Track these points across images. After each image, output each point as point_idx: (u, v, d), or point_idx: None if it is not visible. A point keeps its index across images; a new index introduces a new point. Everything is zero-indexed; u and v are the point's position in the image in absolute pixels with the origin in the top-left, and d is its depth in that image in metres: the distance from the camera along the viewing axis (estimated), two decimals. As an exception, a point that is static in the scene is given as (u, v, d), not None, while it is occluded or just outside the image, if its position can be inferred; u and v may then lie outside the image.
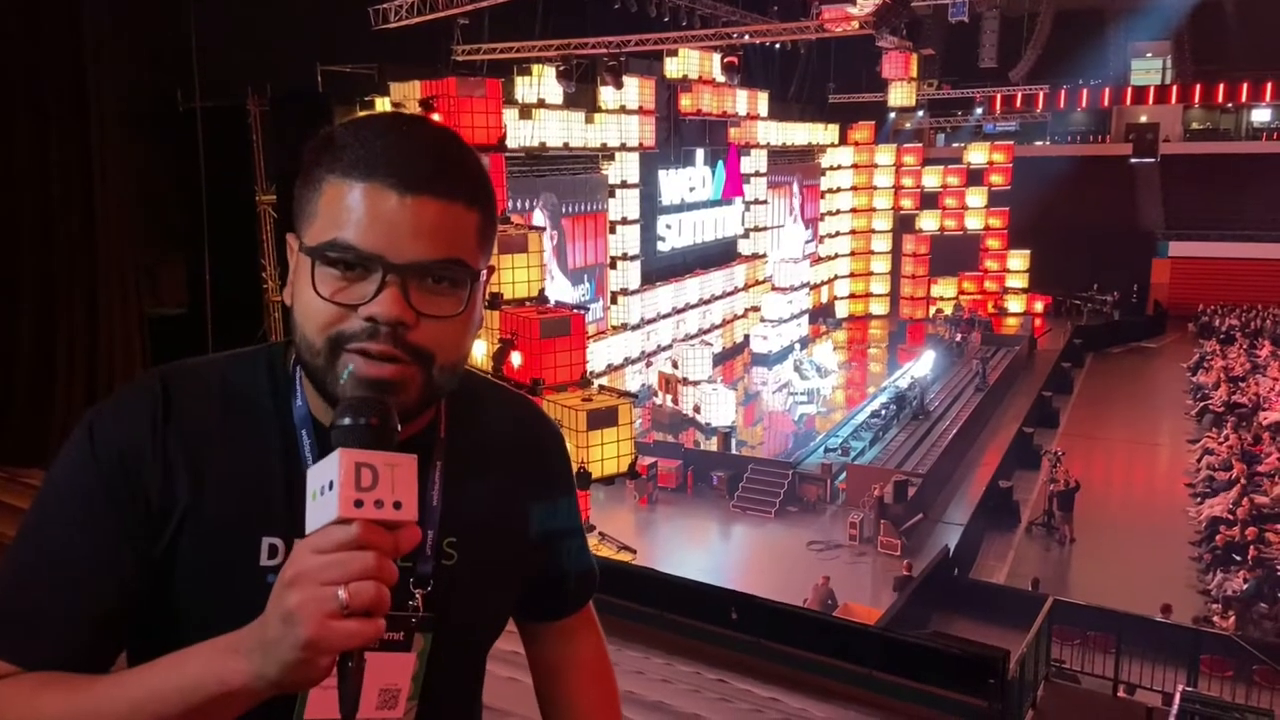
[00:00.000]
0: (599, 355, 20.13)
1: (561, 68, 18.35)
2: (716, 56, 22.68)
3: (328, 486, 0.84)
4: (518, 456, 1.21)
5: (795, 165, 30.02)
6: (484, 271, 1.03)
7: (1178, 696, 7.43)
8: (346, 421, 0.88)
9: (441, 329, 0.98)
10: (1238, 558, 13.67)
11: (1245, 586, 12.80)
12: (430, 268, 0.96)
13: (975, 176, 31.91)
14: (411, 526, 0.86)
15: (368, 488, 0.84)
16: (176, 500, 1.01)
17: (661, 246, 23.54)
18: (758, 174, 27.20)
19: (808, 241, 30.16)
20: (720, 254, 26.26)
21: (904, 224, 32.28)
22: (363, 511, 0.83)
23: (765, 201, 27.79)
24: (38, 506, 1.02)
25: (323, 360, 0.97)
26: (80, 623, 0.97)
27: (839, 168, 31.82)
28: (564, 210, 20.16)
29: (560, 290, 18.98)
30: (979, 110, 37.36)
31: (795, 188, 30.10)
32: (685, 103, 23.28)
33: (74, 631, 0.97)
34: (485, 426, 1.19)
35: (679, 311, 23.74)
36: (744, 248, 27.39)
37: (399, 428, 0.90)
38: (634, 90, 20.95)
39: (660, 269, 23.51)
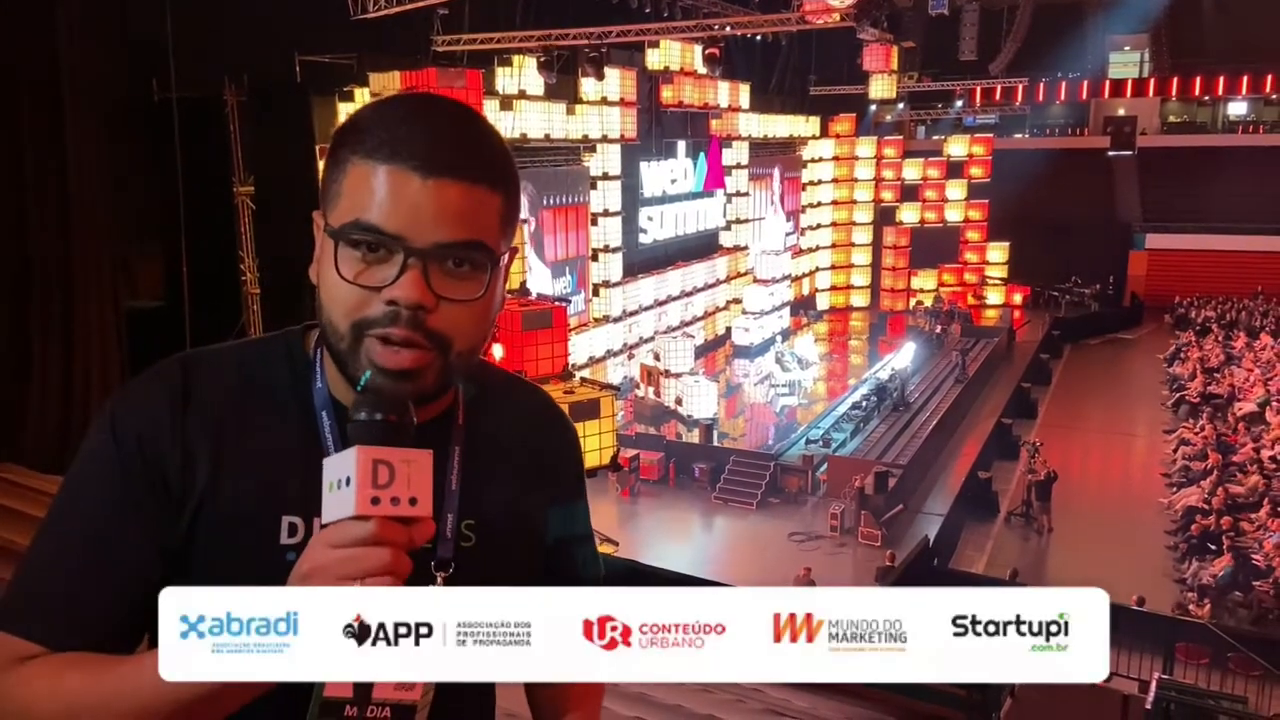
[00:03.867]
0: (581, 347, 20.10)
1: (542, 59, 18.26)
2: (698, 48, 22.59)
3: (345, 482, 0.86)
4: (534, 447, 1.23)
5: (776, 157, 30.04)
6: (506, 255, 1.04)
7: (1154, 684, 7.52)
8: (363, 417, 0.90)
9: (461, 313, 1.00)
10: (1213, 547, 13.83)
11: (1220, 575, 12.96)
12: (451, 251, 0.98)
13: (955, 169, 32.05)
14: (426, 521, 0.89)
15: (384, 485, 0.86)
16: (195, 485, 1.02)
17: (643, 239, 23.51)
18: (739, 166, 27.20)
19: (789, 234, 30.19)
20: (702, 246, 26.27)
21: (884, 216, 32.37)
22: (379, 509, 0.85)
23: (747, 194, 27.80)
24: (63, 492, 1.04)
25: (346, 345, 1.00)
26: (103, 605, 0.99)
27: (820, 160, 31.87)
28: (545, 202, 20.08)
29: (538, 282, 18.93)
30: (959, 103, 37.51)
31: (776, 180, 30.12)
32: (667, 94, 23.23)
33: (97, 613, 0.99)
34: (503, 416, 1.21)
35: (661, 304, 23.73)
36: (725, 240, 27.40)
37: (415, 422, 0.92)
38: (615, 82, 20.89)
39: (642, 261, 23.49)
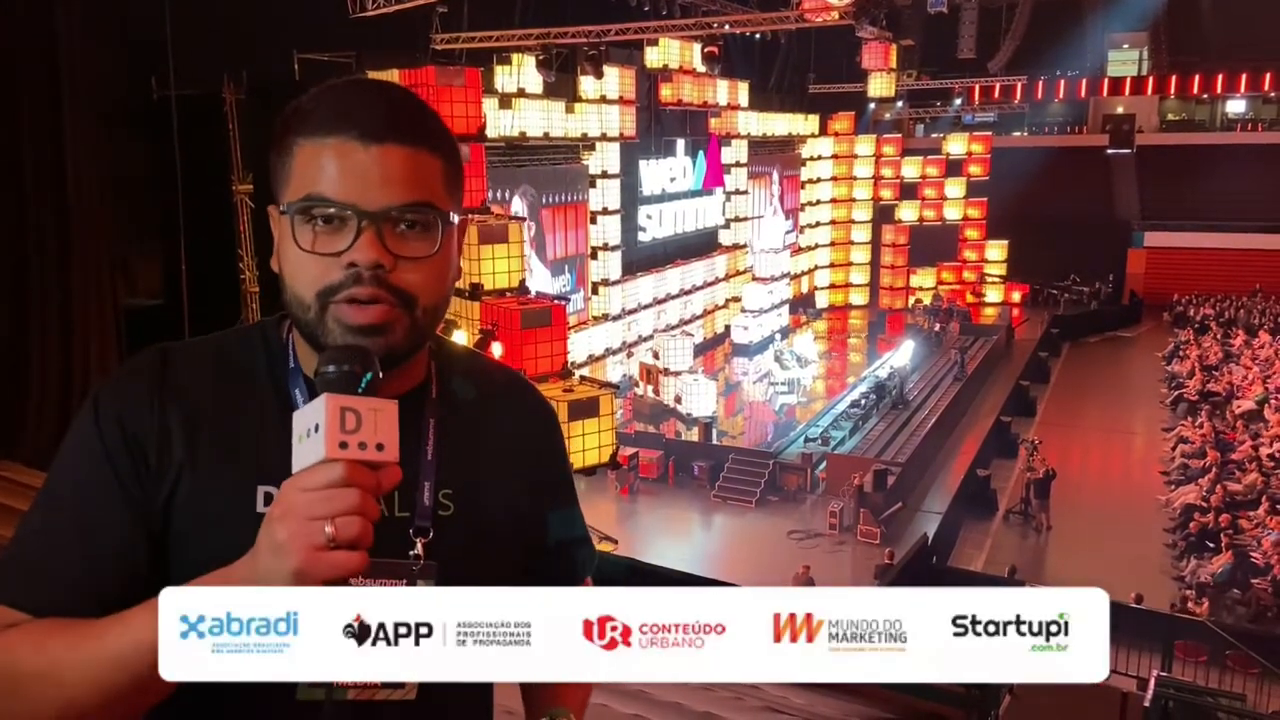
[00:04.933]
0: (580, 346, 20.10)
1: (541, 57, 18.24)
2: (697, 46, 22.58)
3: (314, 429, 0.89)
4: (520, 436, 1.27)
5: (775, 155, 30.03)
6: (456, 217, 1.09)
7: (1152, 681, 7.51)
8: (330, 369, 0.93)
9: (419, 270, 1.05)
10: (1211, 544, 13.84)
11: (1218, 573, 12.97)
12: (401, 212, 1.03)
13: (954, 167, 32.03)
14: (393, 467, 0.91)
15: (352, 430, 0.88)
16: (173, 459, 1.07)
17: (642, 237, 23.50)
18: (738, 164, 27.19)
19: (788, 232, 30.17)
20: (701, 244, 26.26)
21: (883, 214, 32.36)
22: (347, 452, 0.88)
23: (746, 192, 27.79)
24: (50, 472, 1.10)
25: (313, 315, 1.05)
26: (83, 573, 1.04)
27: (819, 158, 31.86)
28: (544, 201, 20.08)
29: (538, 280, 18.91)
30: (958, 101, 37.51)
31: (775, 178, 30.12)
32: (666, 93, 23.21)
33: (77, 581, 1.03)
34: (477, 388, 1.25)
35: (660, 302, 23.72)
36: (724, 238, 27.39)
37: (381, 375, 0.95)
38: (614, 80, 20.87)
39: (641, 259, 23.48)
